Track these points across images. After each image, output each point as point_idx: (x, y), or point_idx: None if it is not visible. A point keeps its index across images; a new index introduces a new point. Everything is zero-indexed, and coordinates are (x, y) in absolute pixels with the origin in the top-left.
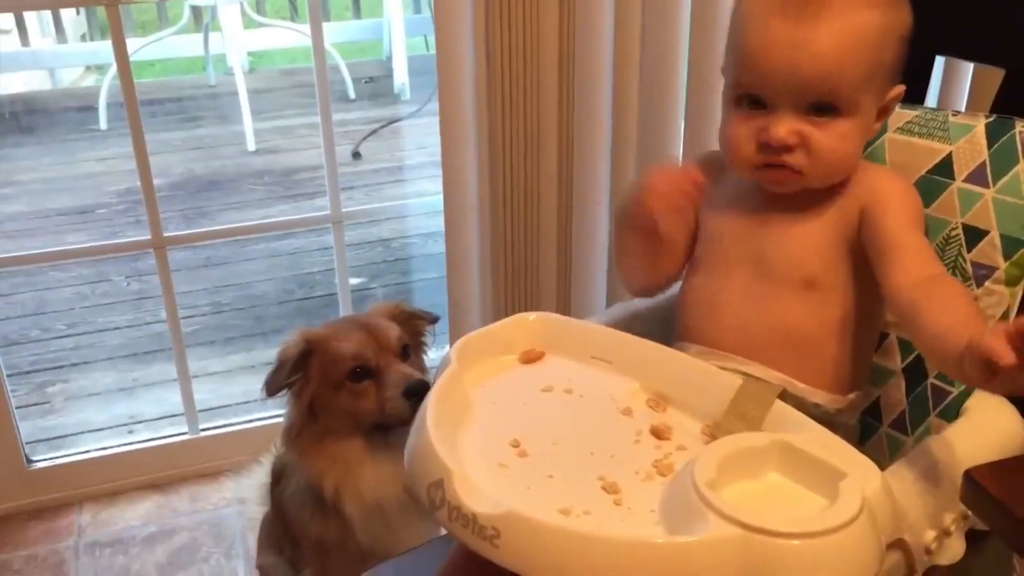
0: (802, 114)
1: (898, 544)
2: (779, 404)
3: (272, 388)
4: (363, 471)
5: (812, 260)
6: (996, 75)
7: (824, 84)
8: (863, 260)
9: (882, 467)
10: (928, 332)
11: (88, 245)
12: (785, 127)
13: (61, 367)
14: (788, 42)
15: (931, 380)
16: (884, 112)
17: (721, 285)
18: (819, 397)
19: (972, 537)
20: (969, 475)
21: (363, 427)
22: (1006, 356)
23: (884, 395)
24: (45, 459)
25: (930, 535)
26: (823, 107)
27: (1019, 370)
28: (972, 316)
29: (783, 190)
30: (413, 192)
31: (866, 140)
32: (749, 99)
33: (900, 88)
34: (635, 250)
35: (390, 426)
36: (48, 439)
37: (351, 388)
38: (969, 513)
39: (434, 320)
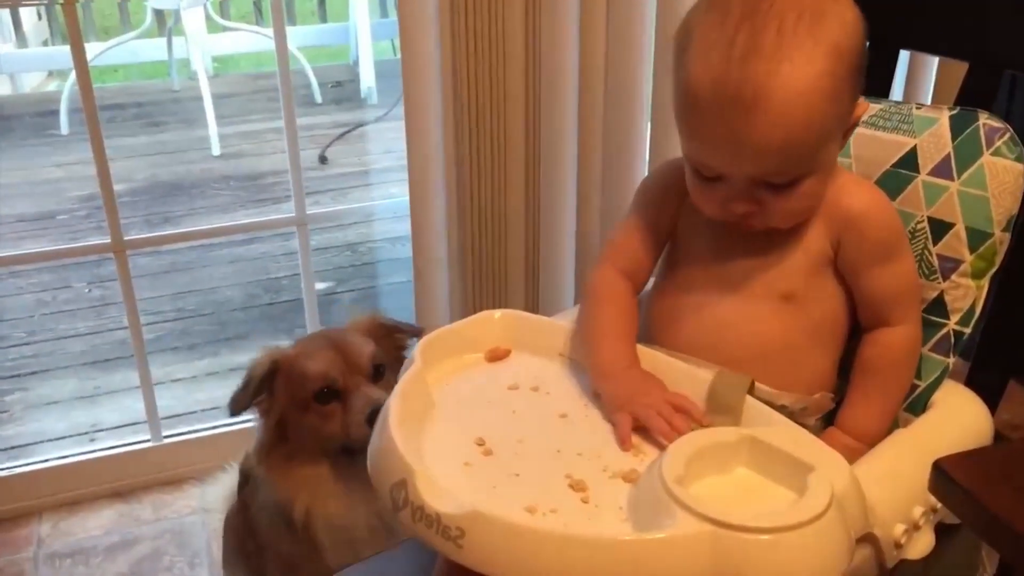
0: (762, 186)
1: (868, 538)
2: (748, 399)
3: (236, 407)
4: (332, 496)
5: (790, 277)
6: (960, 68)
7: (777, 174)
8: (839, 272)
9: None
10: None
11: (46, 249)
12: (746, 204)
13: (20, 375)
14: (732, 139)
15: None
16: (850, 130)
17: (693, 296)
18: (785, 399)
19: (941, 531)
20: (938, 465)
21: (330, 450)
22: None
23: None
24: (3, 468)
25: (899, 529)
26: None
27: None
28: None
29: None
30: (380, 196)
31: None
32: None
33: (865, 106)
34: None
35: (357, 450)
36: (7, 448)
37: (317, 409)
38: (938, 506)
39: (417, 333)
